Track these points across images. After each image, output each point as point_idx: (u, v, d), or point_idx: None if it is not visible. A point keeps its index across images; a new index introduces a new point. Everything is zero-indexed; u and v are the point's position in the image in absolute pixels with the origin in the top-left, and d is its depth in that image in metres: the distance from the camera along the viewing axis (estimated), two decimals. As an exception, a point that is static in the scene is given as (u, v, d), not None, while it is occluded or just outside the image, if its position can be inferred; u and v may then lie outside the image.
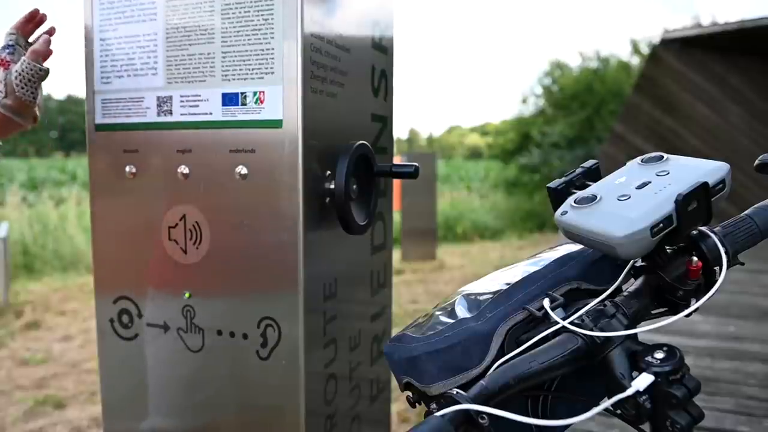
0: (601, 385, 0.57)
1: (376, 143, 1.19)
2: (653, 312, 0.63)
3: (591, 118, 12.56)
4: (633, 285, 0.64)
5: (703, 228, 0.61)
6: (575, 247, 0.70)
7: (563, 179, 0.68)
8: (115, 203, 1.04)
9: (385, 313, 1.32)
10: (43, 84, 1.08)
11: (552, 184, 0.68)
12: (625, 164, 0.67)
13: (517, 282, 0.65)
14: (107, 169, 1.03)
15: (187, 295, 0.99)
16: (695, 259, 0.59)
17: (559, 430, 0.61)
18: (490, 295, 0.64)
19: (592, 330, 0.57)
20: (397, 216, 6.90)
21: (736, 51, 8.50)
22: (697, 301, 0.59)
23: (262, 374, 0.95)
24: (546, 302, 0.61)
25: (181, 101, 0.97)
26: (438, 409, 0.51)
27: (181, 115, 0.97)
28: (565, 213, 0.63)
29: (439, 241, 7.82)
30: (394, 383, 0.68)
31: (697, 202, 0.57)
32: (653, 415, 0.53)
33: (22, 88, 0.98)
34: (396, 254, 6.80)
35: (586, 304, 0.61)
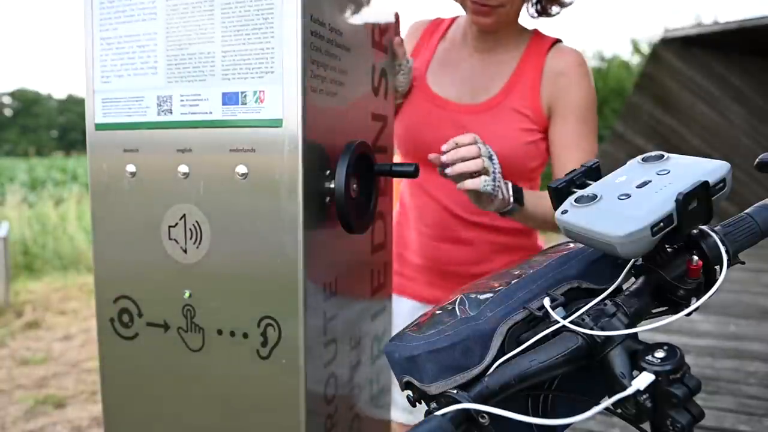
0: (601, 384, 0.57)
1: (376, 142, 1.18)
2: (654, 311, 0.63)
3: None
4: (633, 284, 0.64)
5: (703, 227, 0.61)
6: (576, 246, 0.70)
7: (564, 178, 0.68)
8: (115, 203, 1.03)
9: (386, 312, 1.32)
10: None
11: (552, 183, 0.68)
12: (625, 163, 0.67)
13: (517, 281, 0.65)
14: (107, 168, 1.03)
15: (187, 294, 0.99)
16: (696, 258, 0.59)
17: (560, 429, 0.61)
18: (491, 295, 0.64)
19: (592, 329, 0.57)
20: (397, 215, 6.88)
21: (737, 50, 8.50)
22: (697, 300, 0.59)
23: (262, 374, 0.95)
24: (546, 301, 0.61)
25: (181, 100, 0.97)
26: (438, 409, 0.51)
27: (181, 114, 0.97)
28: (565, 212, 0.63)
29: (440, 241, 7.80)
30: (395, 382, 0.68)
31: (697, 201, 0.57)
32: (654, 414, 0.53)
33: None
34: (396, 254, 6.77)
35: (587, 303, 0.61)
